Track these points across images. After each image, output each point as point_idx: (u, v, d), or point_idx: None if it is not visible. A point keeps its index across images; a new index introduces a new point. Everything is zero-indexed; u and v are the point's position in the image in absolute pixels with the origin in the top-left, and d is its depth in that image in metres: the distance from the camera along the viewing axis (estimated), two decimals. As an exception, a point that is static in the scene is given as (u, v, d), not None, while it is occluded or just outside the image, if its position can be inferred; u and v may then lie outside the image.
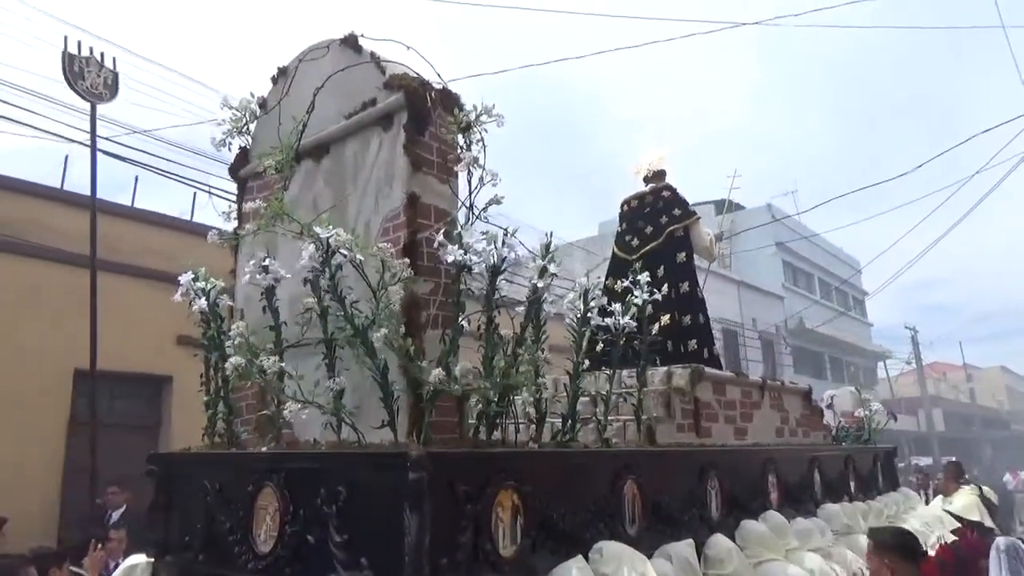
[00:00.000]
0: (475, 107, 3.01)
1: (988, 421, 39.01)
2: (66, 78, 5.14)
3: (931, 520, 6.55)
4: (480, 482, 2.46)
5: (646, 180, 5.50)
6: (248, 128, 3.31)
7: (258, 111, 3.33)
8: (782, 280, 26.15)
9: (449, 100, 2.93)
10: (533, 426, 2.96)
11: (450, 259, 2.54)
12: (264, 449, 2.90)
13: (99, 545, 4.65)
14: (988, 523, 7.19)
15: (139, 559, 3.26)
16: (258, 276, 2.93)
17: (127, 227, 8.92)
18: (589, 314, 3.17)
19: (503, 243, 2.66)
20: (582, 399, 3.24)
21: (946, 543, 5.71)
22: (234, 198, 3.80)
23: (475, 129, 2.95)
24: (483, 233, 2.68)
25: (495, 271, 2.66)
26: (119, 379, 8.55)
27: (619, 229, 5.51)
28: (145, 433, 8.69)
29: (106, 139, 8.73)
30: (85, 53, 5.29)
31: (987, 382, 46.32)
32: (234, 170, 3.59)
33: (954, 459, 11.01)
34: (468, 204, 2.74)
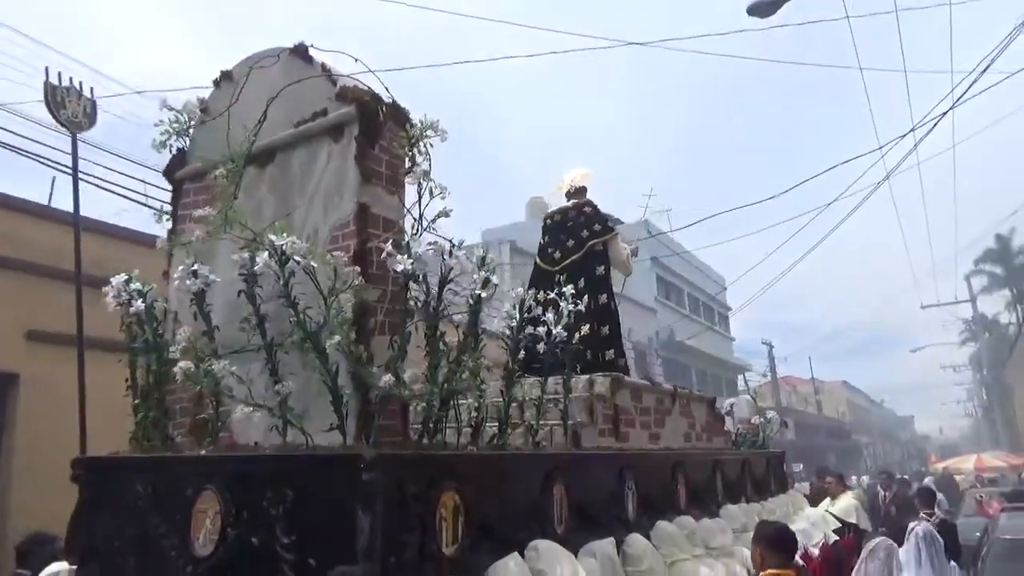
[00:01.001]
0: (420, 122, 3.13)
1: (832, 431, 42.14)
2: (49, 108, 4.84)
3: (817, 520, 7.07)
4: (426, 483, 2.56)
5: (568, 195, 5.73)
6: (187, 131, 3.31)
7: (197, 115, 3.34)
8: (655, 294, 27.17)
9: (399, 114, 3.03)
10: (470, 430, 3.09)
11: (399, 268, 2.63)
12: (203, 452, 2.90)
13: None
14: (864, 525, 7.84)
15: (60, 567, 3.17)
16: (187, 281, 2.93)
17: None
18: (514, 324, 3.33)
19: (450, 254, 2.78)
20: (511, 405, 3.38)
21: (827, 543, 6.22)
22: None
23: (421, 143, 3.07)
24: (431, 244, 2.79)
25: (442, 281, 2.78)
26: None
27: (541, 242, 5.71)
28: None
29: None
30: (65, 83, 5.00)
31: (832, 395, 49.91)
32: (170, 171, 3.55)
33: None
34: (417, 216, 2.84)
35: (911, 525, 6.74)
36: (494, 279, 2.94)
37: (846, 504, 7.98)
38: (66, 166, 8.49)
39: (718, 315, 34.36)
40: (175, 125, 3.25)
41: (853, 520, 7.66)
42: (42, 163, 8.53)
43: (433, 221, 2.84)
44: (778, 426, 7.26)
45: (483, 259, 2.98)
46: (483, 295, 2.90)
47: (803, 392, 42.58)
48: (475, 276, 2.89)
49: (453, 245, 2.85)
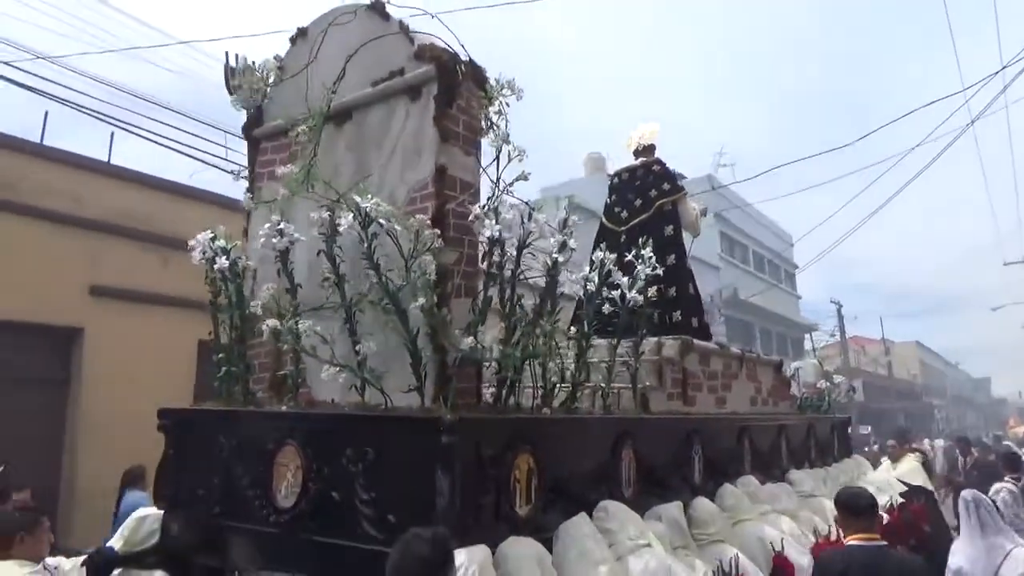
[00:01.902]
0: (496, 81, 3.07)
1: (903, 393, 40.96)
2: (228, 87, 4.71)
3: (881, 484, 6.96)
4: (502, 446, 2.59)
5: (636, 154, 5.60)
6: (266, 91, 3.32)
7: (275, 73, 3.34)
8: (718, 250, 26.55)
9: (477, 74, 2.97)
10: (542, 392, 3.09)
11: (487, 233, 2.62)
12: (283, 408, 2.98)
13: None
14: (929, 487, 7.68)
15: (148, 511, 3.31)
16: (273, 239, 2.97)
17: (29, 165, 7.72)
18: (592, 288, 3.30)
19: (530, 218, 2.75)
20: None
21: (894, 508, 6.12)
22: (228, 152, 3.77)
23: (498, 103, 3.01)
24: (511, 207, 2.76)
25: (521, 245, 2.75)
26: (19, 330, 7.43)
27: (608, 201, 5.61)
28: (51, 388, 7.82)
29: (8, 64, 7.99)
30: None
31: (902, 356, 48.36)
32: (247, 129, 3.58)
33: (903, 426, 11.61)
34: (496, 178, 2.81)
35: (996, 487, 6.57)
36: (571, 243, 2.91)
37: (909, 467, 7.81)
38: (124, 122, 8.67)
39: (784, 273, 33.46)
40: (254, 84, 3.26)
41: (919, 482, 7.51)
42: (101, 119, 8.68)
43: (511, 184, 2.80)
44: (846, 391, 7.10)
45: (564, 222, 2.94)
46: (560, 259, 2.87)
47: (873, 353, 41.44)
48: (552, 239, 2.86)
49: (531, 208, 2.82)
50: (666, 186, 5.39)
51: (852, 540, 3.39)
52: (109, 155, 9.12)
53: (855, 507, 3.48)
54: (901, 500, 6.39)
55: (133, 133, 9.03)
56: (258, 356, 3.37)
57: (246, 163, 3.59)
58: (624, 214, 5.40)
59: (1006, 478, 7.50)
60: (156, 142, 9.09)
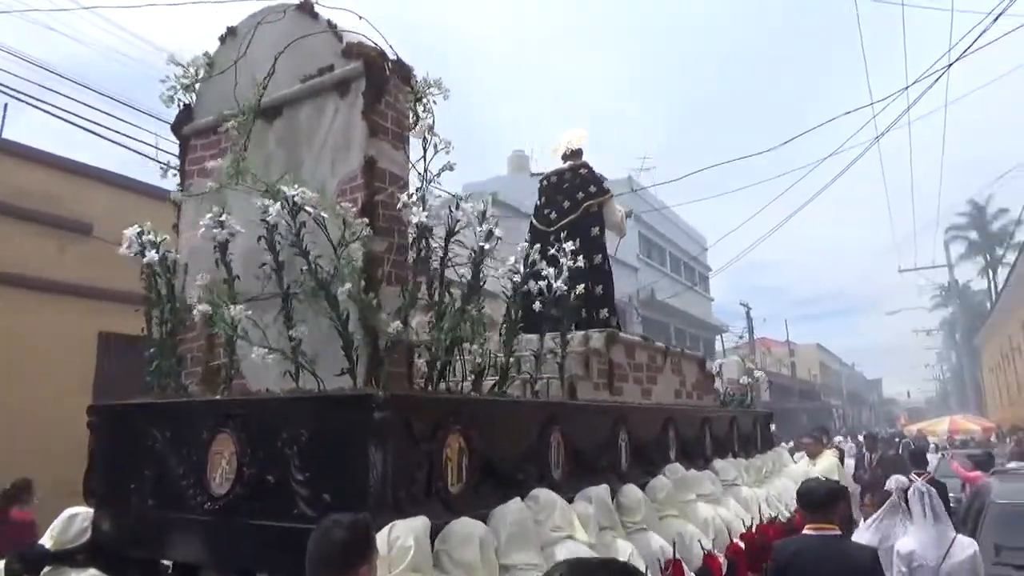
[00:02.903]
0: (423, 79, 3.21)
1: (805, 393, 42.91)
2: None
3: (800, 478, 7.31)
4: (433, 425, 2.70)
5: (564, 158, 5.81)
6: (194, 86, 3.37)
7: (200, 71, 3.40)
8: (637, 252, 27.22)
9: (403, 71, 3.10)
10: (471, 379, 3.22)
11: (415, 220, 2.73)
12: (218, 397, 3.01)
13: None
14: (844, 482, 8.08)
15: (78, 509, 3.28)
16: (214, 231, 3.02)
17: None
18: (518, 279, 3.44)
19: (457, 207, 2.88)
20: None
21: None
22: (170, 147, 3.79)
23: (425, 99, 3.15)
24: (437, 197, 2.89)
25: (449, 233, 2.88)
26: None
27: (538, 202, 5.80)
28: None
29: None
30: None
31: (805, 358, 50.58)
32: (177, 127, 3.61)
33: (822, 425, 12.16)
34: (424, 170, 2.93)
35: (900, 480, 6.95)
36: (497, 231, 3.05)
37: (828, 463, 8.20)
38: (20, 92, 7.88)
39: (699, 275, 34.50)
40: (182, 80, 3.31)
41: (837, 478, 7.90)
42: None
43: (438, 175, 2.93)
44: (766, 385, 7.44)
45: (484, 213, 3.08)
46: (486, 247, 3.01)
47: (778, 354, 43.12)
48: (478, 229, 3.00)
49: (458, 198, 2.95)
50: (592, 188, 5.60)
51: (808, 529, 3.63)
52: (1, 128, 8.64)
53: (810, 502, 3.73)
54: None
55: (31, 105, 8.19)
56: (190, 350, 3.39)
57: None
58: (553, 215, 5.59)
59: (912, 473, 7.97)
60: (58, 116, 8.25)
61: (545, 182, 5.84)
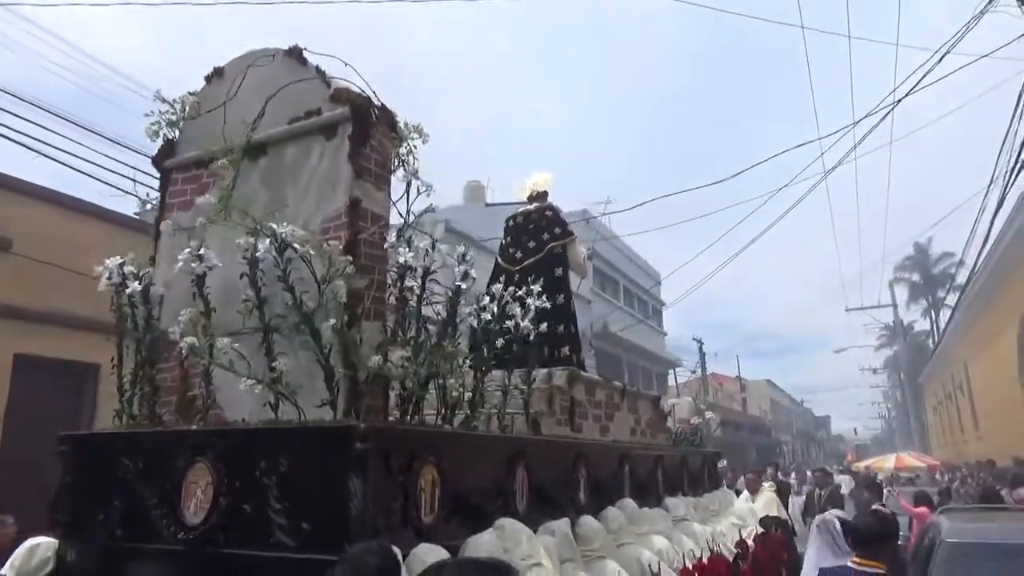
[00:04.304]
0: (406, 124, 3.38)
1: (755, 428, 43.82)
2: None
3: (745, 515, 7.55)
4: (409, 456, 2.80)
5: (530, 199, 6.02)
6: (179, 123, 3.47)
7: (188, 109, 3.50)
8: (591, 284, 27.61)
9: (388, 116, 3.26)
10: (445, 410, 3.33)
11: (400, 259, 2.87)
12: (195, 427, 3.06)
13: None
14: (783, 516, 8.39)
15: (39, 540, 3.25)
16: (192, 264, 3.10)
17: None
18: (489, 317, 3.59)
19: (434, 248, 3.03)
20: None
21: (757, 540, 6.67)
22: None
23: (408, 143, 3.32)
24: (410, 237, 3.04)
25: (426, 272, 3.03)
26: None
27: (503, 241, 5.97)
28: None
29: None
30: None
31: (755, 393, 51.81)
32: (158, 160, 3.68)
33: (762, 466, 12.53)
34: (405, 211, 3.08)
35: (837, 513, 7.24)
36: (473, 272, 3.20)
37: (767, 498, 8.51)
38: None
39: (652, 309, 34.98)
40: (168, 116, 3.41)
41: (775, 513, 8.19)
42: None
43: (420, 216, 3.08)
44: (716, 425, 7.68)
45: (463, 255, 3.24)
46: (463, 286, 3.16)
47: (729, 390, 43.92)
48: (455, 269, 3.15)
49: (434, 240, 3.10)
50: (557, 230, 5.81)
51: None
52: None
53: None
54: (762, 530, 6.98)
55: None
56: (164, 380, 3.43)
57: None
58: (518, 255, 5.76)
59: (874, 506, 8.30)
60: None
61: (511, 222, 6.03)
